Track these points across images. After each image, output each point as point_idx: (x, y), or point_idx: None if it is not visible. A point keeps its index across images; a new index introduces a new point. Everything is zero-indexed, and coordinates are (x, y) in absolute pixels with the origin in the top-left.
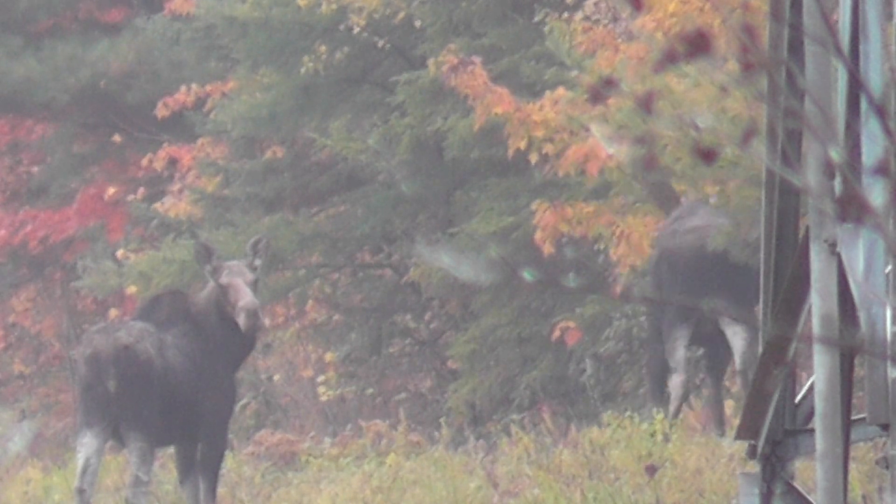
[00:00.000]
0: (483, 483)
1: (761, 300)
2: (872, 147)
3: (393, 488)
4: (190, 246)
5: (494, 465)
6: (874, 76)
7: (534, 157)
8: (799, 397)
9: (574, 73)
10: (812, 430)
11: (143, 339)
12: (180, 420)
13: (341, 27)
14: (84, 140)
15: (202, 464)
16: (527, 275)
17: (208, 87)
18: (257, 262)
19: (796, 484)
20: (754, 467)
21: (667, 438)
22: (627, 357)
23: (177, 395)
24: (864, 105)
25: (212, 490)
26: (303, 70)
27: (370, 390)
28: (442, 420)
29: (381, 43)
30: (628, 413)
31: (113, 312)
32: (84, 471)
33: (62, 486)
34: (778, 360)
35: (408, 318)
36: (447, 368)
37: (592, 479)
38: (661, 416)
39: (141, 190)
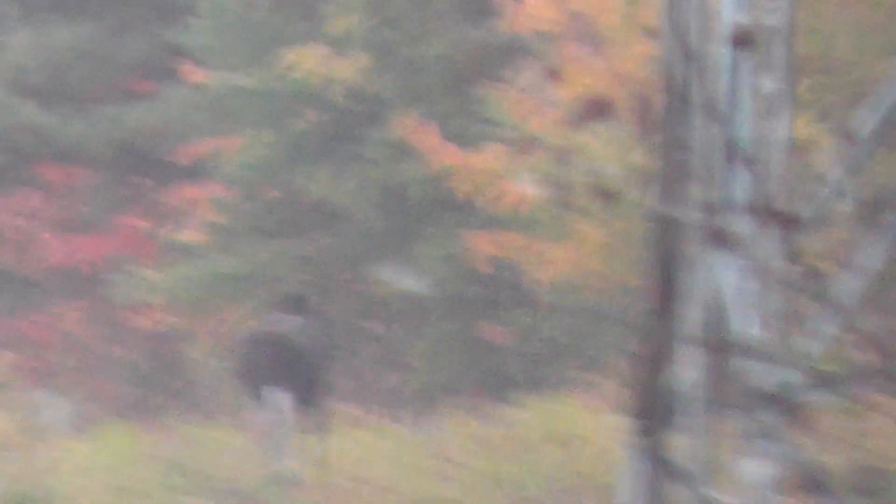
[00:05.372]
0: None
1: (644, 307)
2: (743, 190)
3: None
4: (203, 265)
5: (446, 443)
6: (744, 133)
7: (479, 199)
8: (677, 387)
9: (509, 132)
10: (688, 413)
11: (287, 328)
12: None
13: (326, 96)
14: (123, 184)
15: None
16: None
17: (220, 142)
18: None
19: (674, 457)
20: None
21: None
22: (553, 356)
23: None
24: (737, 156)
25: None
26: (295, 130)
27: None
28: (405, 406)
29: (357, 108)
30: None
31: (144, 320)
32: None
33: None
34: (660, 356)
35: (376, 325)
36: (408, 364)
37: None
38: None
39: (166, 223)
